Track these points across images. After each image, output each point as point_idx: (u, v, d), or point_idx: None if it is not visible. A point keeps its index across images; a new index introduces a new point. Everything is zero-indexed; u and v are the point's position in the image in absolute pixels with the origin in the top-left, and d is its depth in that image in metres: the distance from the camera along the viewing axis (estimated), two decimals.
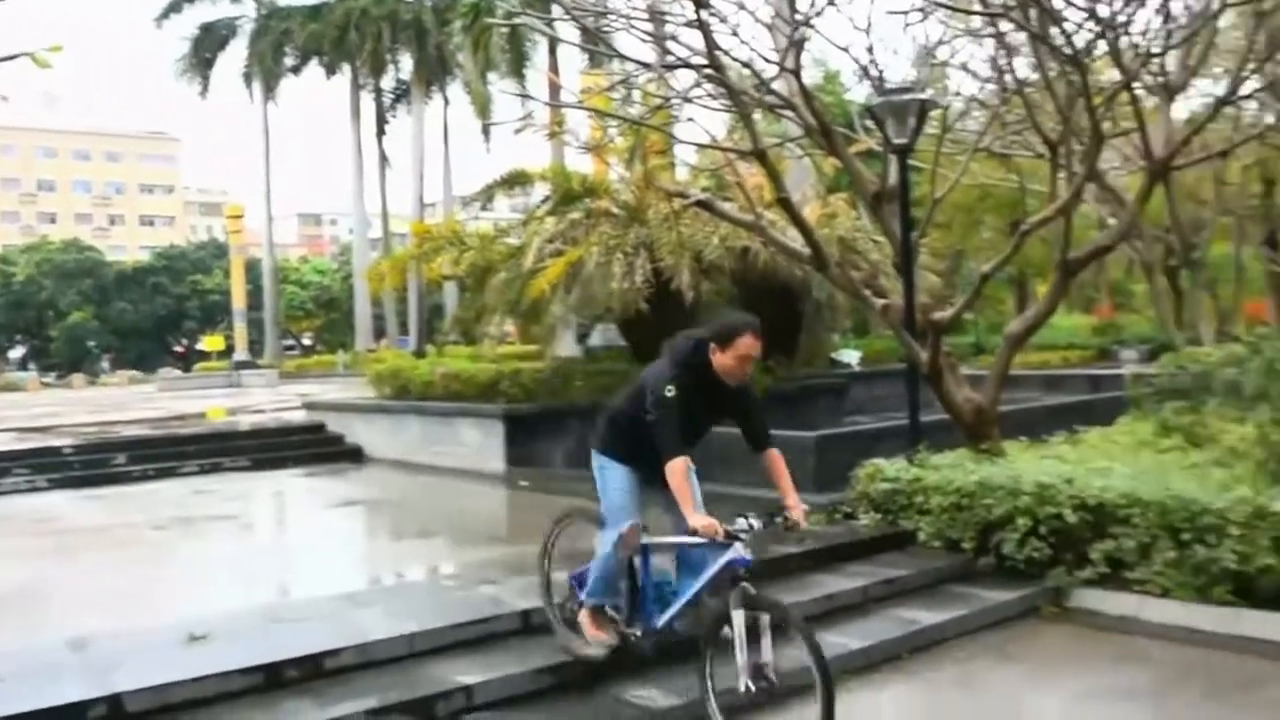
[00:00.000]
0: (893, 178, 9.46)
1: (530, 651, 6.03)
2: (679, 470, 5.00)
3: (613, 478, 5.48)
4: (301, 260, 73.39)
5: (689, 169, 18.50)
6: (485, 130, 41.47)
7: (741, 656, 4.82)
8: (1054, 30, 7.89)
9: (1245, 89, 9.84)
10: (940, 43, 9.88)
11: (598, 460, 5.58)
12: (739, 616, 4.85)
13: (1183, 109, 12.08)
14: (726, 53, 8.18)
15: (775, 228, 11.08)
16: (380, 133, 48.51)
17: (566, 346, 20.91)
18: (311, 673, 5.62)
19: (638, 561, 5.50)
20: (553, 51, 32.26)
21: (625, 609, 5.58)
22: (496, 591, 6.93)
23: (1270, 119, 12.55)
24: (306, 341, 69.34)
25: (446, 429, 14.73)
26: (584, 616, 5.71)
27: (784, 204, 8.36)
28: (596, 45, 12.18)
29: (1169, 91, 9.26)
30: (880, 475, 8.78)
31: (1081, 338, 33.29)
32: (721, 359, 5.07)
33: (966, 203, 29.56)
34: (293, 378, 40.54)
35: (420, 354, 25.33)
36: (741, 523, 4.91)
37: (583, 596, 5.71)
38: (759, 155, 8.51)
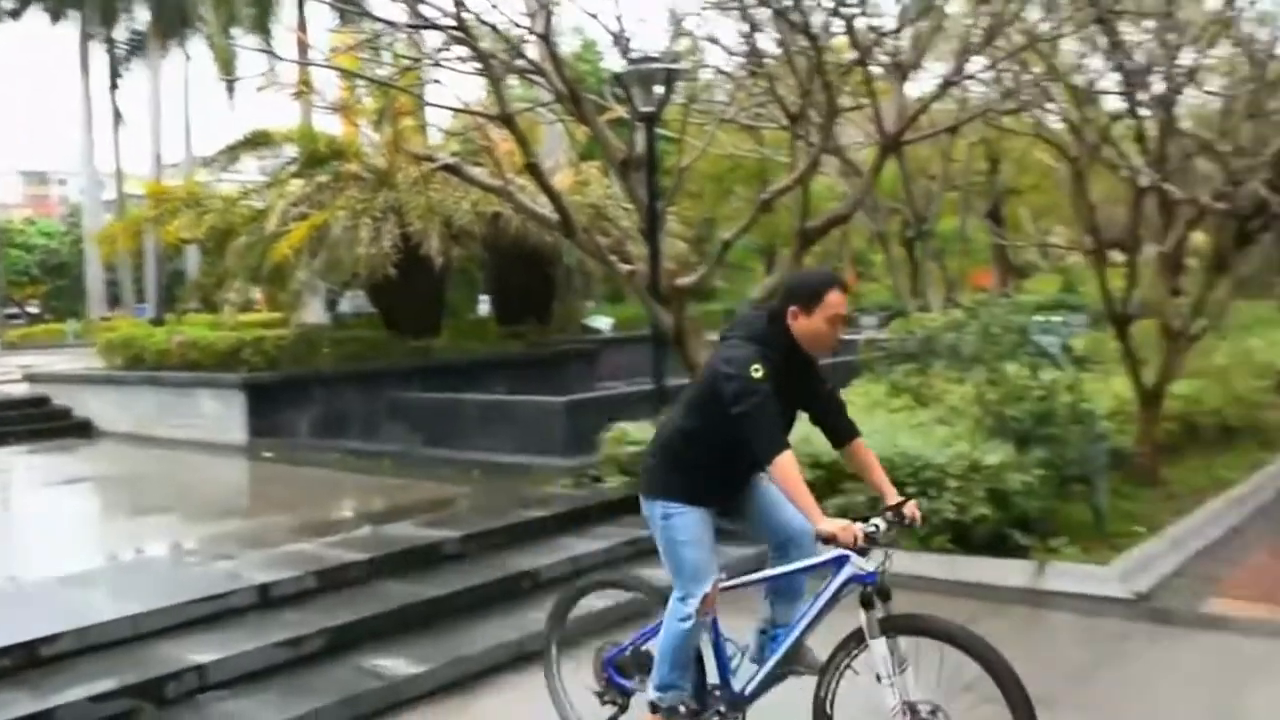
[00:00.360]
0: (640, 146, 9.58)
1: (268, 626, 5.87)
2: (788, 466, 3.75)
3: (683, 527, 4.10)
4: (26, 222, 68.24)
5: (441, 133, 18.24)
6: (229, 88, 39.55)
7: (894, 698, 3.74)
8: (793, 7, 8.15)
9: (970, 70, 10.43)
10: (690, 15, 10.05)
11: (657, 509, 4.17)
12: (879, 647, 3.76)
13: (918, 89, 12.69)
14: (476, 16, 8.06)
15: (525, 193, 11.06)
16: (113, 87, 45.50)
17: (314, 313, 20.32)
18: (26, 661, 5.27)
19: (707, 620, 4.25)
20: (301, 7, 31.11)
21: (691, 687, 4.28)
22: (234, 566, 6.72)
23: (996, 98, 13.40)
24: (33, 310, 64.69)
25: (184, 400, 14.05)
26: None
27: (532, 170, 8.34)
28: (345, 3, 11.77)
29: (901, 70, 9.70)
30: (626, 438, 8.93)
31: None
32: (808, 324, 3.94)
33: (717, 173, 30.28)
34: (16, 348, 37.81)
35: (159, 322, 24.01)
36: (869, 526, 3.76)
37: (652, 694, 4.26)
38: (507, 120, 8.44)
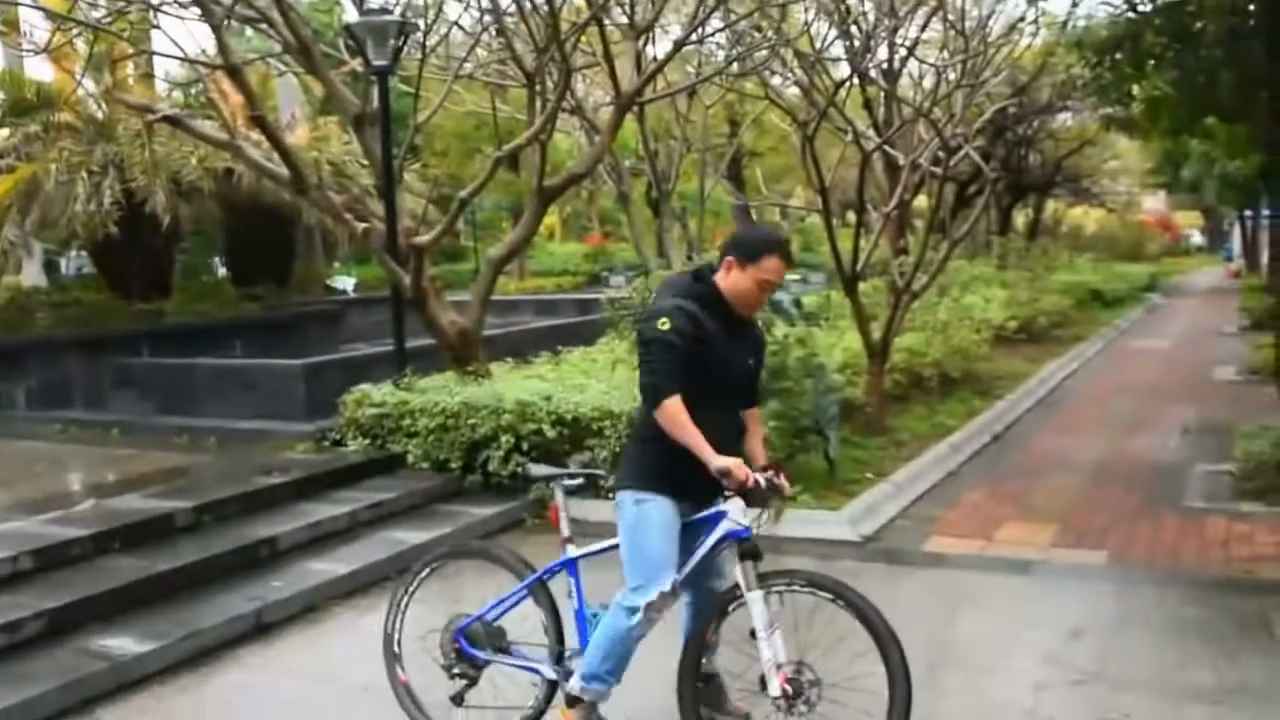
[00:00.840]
0: (376, 100, 9.35)
1: None
2: (675, 411, 3.73)
3: (653, 516, 3.88)
4: None
5: (168, 84, 17.29)
6: None
7: (770, 653, 3.70)
8: None
9: (704, 33, 10.69)
10: None
11: (630, 497, 3.93)
12: (757, 600, 3.71)
13: (656, 50, 12.89)
14: None
15: (260, 150, 10.62)
16: None
17: (32, 276, 18.93)
18: None
19: (570, 585, 4.13)
20: None
21: (551, 654, 4.18)
22: None
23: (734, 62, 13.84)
24: None
25: None
26: (574, 716, 4.05)
27: (260, 123, 8.00)
28: None
29: (636, 30, 9.84)
30: (367, 400, 8.77)
31: (574, 264, 35.09)
32: (739, 278, 3.86)
33: (462, 131, 29.91)
34: None
35: None
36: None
37: (576, 685, 4.01)
38: (232, 71, 8.07)
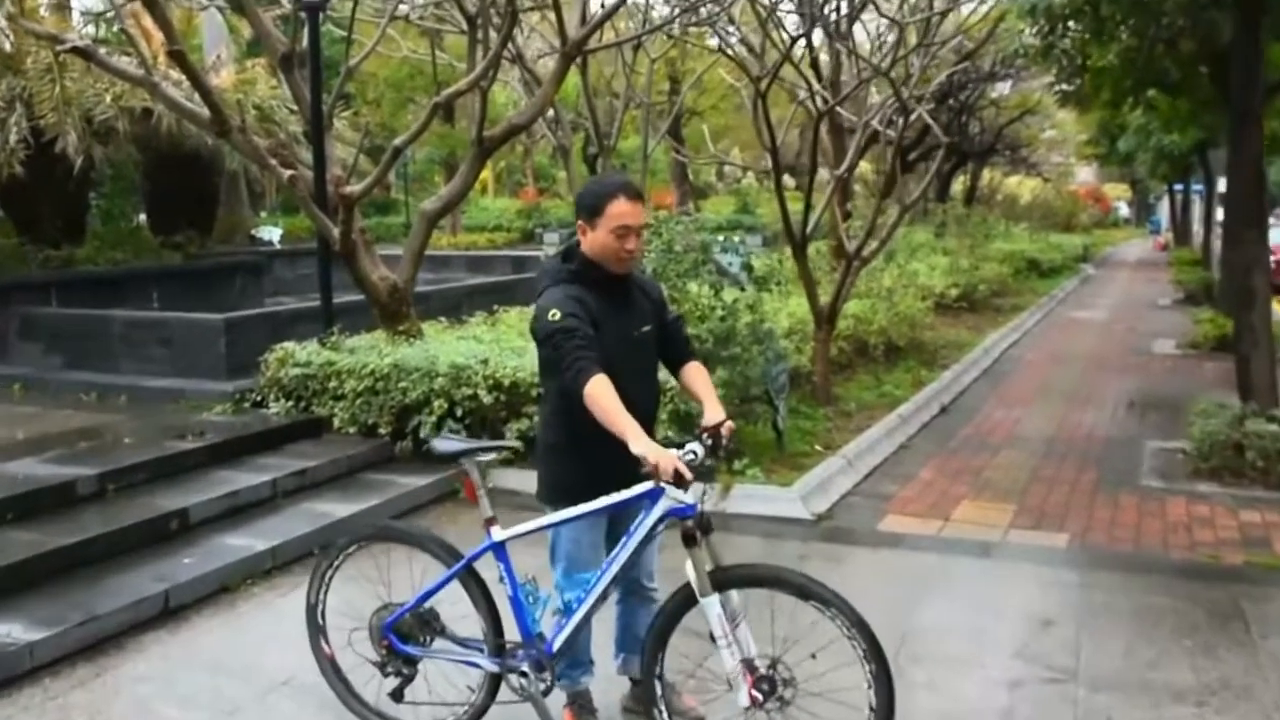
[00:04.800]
0: (306, 40, 8.77)
1: None
2: (601, 393, 3.32)
3: (575, 535, 3.73)
4: None
5: (82, 15, 16.39)
6: None
7: (732, 657, 3.36)
8: None
9: None
10: None
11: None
12: (713, 605, 3.35)
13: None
14: None
15: (182, 89, 9.95)
16: None
17: None
18: None
19: (500, 570, 3.72)
20: None
21: (489, 645, 3.79)
22: None
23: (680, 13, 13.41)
24: None
25: None
26: (569, 716, 3.90)
27: (178, 58, 7.37)
28: None
29: None
30: (291, 360, 8.25)
31: (508, 220, 34.48)
32: (595, 238, 3.57)
33: (397, 80, 29.15)
34: None
35: None
36: (686, 453, 3.34)
37: (566, 681, 3.85)
38: (149, 3, 7.43)
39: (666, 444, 3.31)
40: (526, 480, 4.77)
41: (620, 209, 3.54)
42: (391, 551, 4.01)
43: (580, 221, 3.63)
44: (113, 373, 9.62)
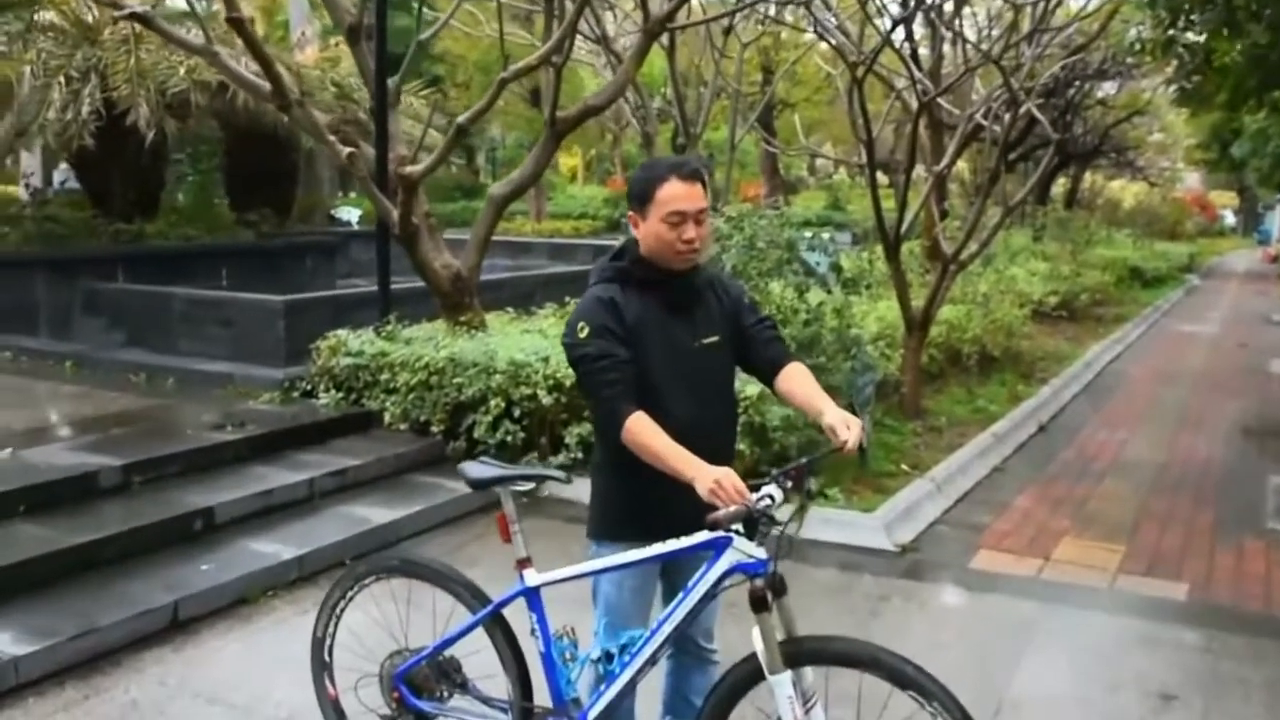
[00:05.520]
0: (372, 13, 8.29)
1: None
2: (641, 431, 2.79)
3: (616, 578, 3.10)
4: None
5: None
6: None
7: None
8: None
9: None
10: None
11: (591, 548, 3.16)
12: (783, 685, 2.70)
13: None
14: None
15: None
16: None
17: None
18: None
19: (532, 621, 3.08)
20: None
21: (514, 709, 3.21)
22: None
23: None
24: None
25: None
26: None
27: (236, 25, 6.93)
28: None
29: None
30: (343, 348, 7.79)
31: (594, 208, 34.03)
32: (647, 230, 2.96)
33: (486, 63, 28.75)
34: None
35: None
36: (760, 496, 2.66)
37: None
38: None
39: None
40: (583, 490, 4.23)
41: (672, 191, 2.91)
42: (413, 588, 3.46)
43: (631, 213, 3.02)
44: (168, 353, 9.26)
